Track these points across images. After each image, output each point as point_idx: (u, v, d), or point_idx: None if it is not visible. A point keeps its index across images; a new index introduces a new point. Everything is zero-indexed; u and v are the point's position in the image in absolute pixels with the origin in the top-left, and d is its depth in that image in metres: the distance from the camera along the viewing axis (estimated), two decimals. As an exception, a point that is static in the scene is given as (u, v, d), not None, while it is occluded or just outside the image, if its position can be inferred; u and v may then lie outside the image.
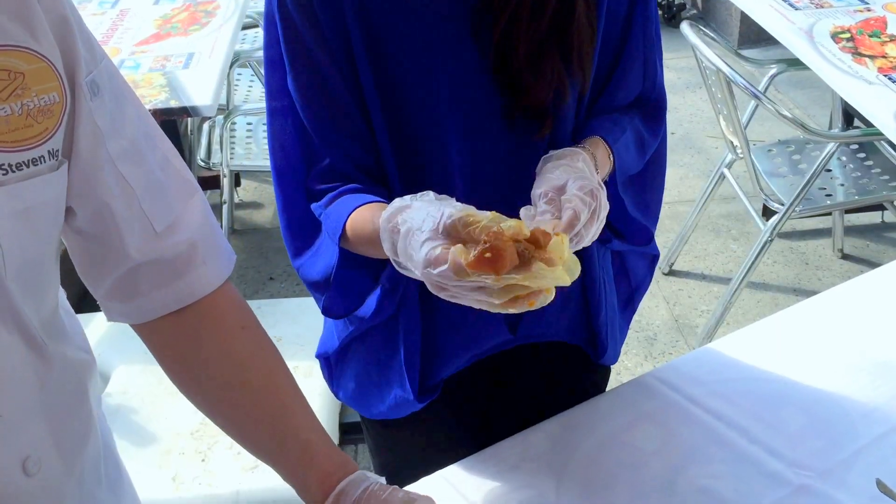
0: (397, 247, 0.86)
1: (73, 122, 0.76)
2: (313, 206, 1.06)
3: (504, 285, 0.78)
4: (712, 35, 2.56)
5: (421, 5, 0.97)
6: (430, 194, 0.89)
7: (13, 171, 0.71)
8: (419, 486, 1.07)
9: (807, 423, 1.13)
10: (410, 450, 1.29)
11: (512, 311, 0.81)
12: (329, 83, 1.00)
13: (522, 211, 0.91)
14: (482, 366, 1.21)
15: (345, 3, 0.95)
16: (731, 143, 2.58)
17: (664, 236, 3.10)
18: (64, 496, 0.83)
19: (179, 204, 0.86)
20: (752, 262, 2.52)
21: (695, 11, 4.84)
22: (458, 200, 1.00)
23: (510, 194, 1.05)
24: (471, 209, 0.83)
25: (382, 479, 0.88)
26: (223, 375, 0.88)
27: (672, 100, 4.01)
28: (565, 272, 0.79)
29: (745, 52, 3.00)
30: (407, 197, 0.89)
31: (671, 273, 2.96)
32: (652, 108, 1.15)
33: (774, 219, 2.47)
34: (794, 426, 1.12)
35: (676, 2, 4.77)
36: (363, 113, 1.01)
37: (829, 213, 2.95)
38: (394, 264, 0.89)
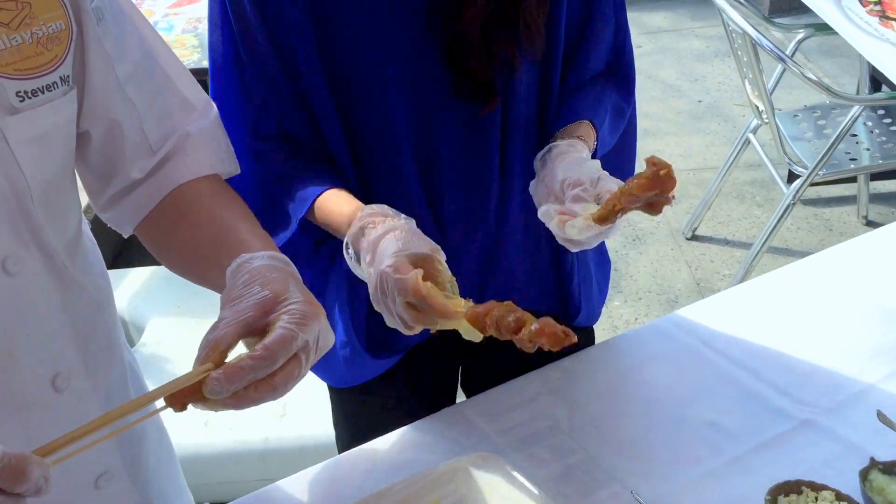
0: (366, 234, 0.90)
1: (82, 49, 0.80)
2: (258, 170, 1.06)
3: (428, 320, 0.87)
4: (742, 2, 2.56)
5: None
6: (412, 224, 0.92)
7: (29, 98, 0.75)
8: (439, 417, 1.11)
9: (815, 365, 1.16)
10: (378, 410, 1.27)
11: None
12: (267, 63, 1.01)
13: (541, 210, 0.95)
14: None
15: None
16: (757, 107, 2.59)
17: (688, 202, 3.12)
18: (91, 412, 0.88)
19: (176, 123, 0.91)
20: (775, 226, 2.53)
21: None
22: (412, 182, 1.06)
23: (463, 172, 1.07)
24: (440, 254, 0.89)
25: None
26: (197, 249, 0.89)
27: (700, 68, 4.01)
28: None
29: (775, 20, 2.99)
30: (401, 216, 0.92)
31: (694, 238, 2.98)
32: (624, 74, 1.15)
33: (798, 181, 2.48)
34: (802, 368, 1.16)
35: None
36: (301, 94, 1.02)
37: (855, 180, 2.95)
38: (346, 248, 0.92)
